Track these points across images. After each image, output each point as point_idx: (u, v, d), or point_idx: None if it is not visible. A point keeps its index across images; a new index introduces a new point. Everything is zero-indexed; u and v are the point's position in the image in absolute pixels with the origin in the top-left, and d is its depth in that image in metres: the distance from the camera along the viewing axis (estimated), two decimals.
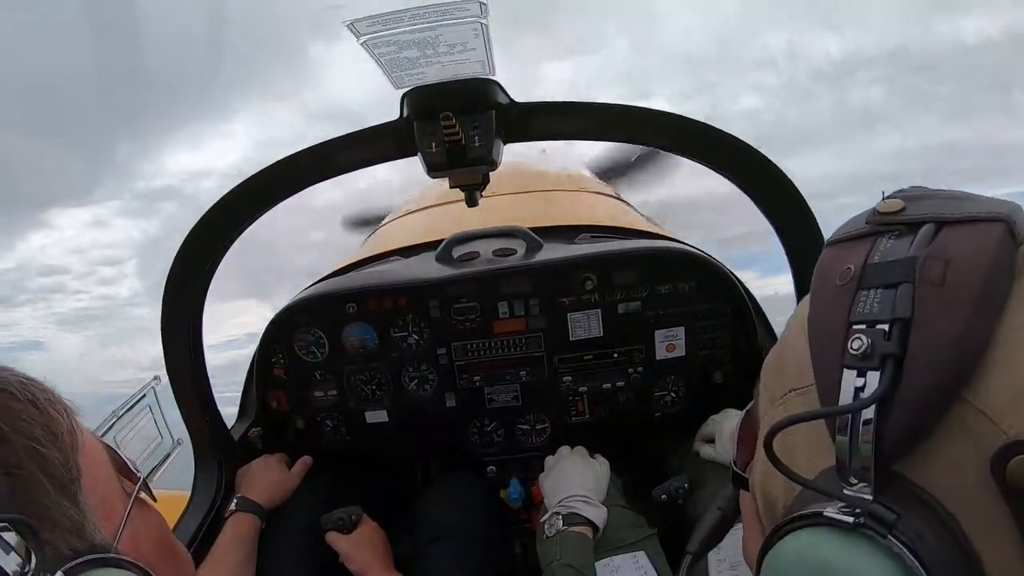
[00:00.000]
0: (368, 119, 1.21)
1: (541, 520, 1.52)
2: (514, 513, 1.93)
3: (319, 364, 1.86)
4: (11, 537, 0.55)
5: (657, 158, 3.47)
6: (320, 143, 1.29)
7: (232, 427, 1.83)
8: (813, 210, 1.31)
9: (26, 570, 0.55)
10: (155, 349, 1.46)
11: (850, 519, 0.45)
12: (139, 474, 0.82)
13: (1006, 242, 0.45)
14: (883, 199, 0.52)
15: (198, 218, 1.38)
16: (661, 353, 1.83)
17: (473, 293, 1.80)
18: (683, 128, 1.28)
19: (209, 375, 1.61)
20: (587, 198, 2.83)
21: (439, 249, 1.87)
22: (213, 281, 1.50)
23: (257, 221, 1.43)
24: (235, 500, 1.57)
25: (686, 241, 1.98)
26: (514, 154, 1.37)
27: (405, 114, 1.21)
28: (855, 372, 0.46)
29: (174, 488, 1.70)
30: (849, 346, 0.46)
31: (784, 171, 1.32)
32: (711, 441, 1.65)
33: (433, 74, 1.12)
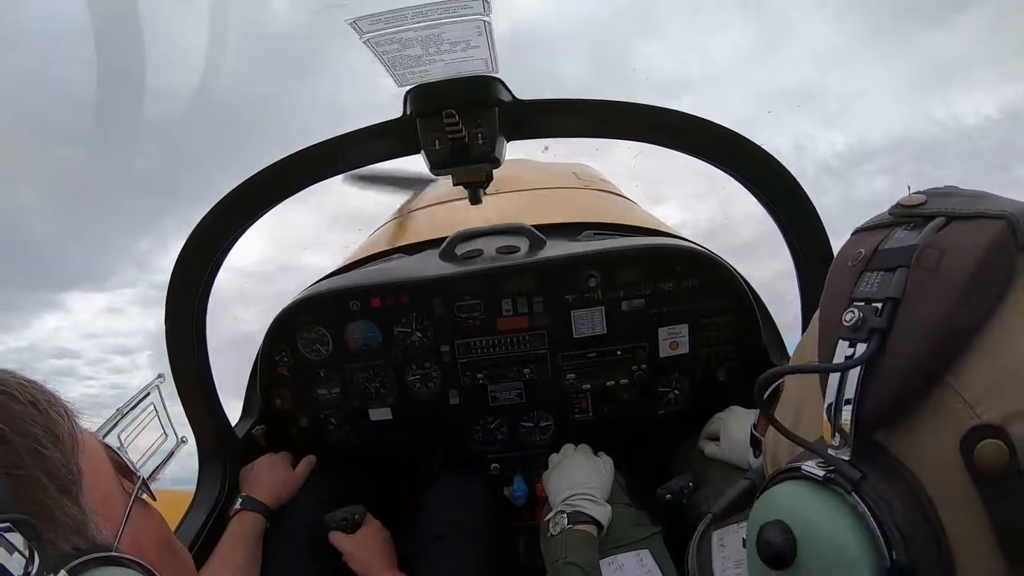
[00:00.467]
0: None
1: (545, 518, 1.52)
2: (517, 511, 1.93)
3: (323, 362, 1.86)
4: (14, 537, 0.55)
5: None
6: (323, 141, 1.29)
7: (236, 425, 1.83)
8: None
9: (29, 569, 0.56)
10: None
11: (821, 473, 0.50)
12: (139, 474, 0.83)
13: (1004, 237, 0.48)
14: (909, 193, 0.56)
15: (199, 219, 1.38)
16: (664, 350, 1.83)
17: (476, 290, 1.80)
18: (685, 125, 1.28)
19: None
20: (590, 195, 2.82)
21: (442, 247, 1.87)
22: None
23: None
24: (240, 499, 1.58)
25: (689, 238, 1.97)
26: (517, 151, 1.37)
27: (408, 112, 1.21)
28: (847, 343, 0.51)
29: (179, 486, 1.71)
30: (843, 319, 0.51)
31: (788, 169, 1.32)
32: (716, 438, 1.64)
33: (436, 72, 1.12)
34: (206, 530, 1.50)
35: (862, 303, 0.51)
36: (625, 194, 2.94)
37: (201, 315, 1.53)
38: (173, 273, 1.44)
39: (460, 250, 1.85)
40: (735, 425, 1.60)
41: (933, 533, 0.46)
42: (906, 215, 0.54)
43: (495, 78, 1.18)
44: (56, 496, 0.64)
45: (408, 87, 1.17)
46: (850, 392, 0.49)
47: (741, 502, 0.84)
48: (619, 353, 1.84)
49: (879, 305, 0.49)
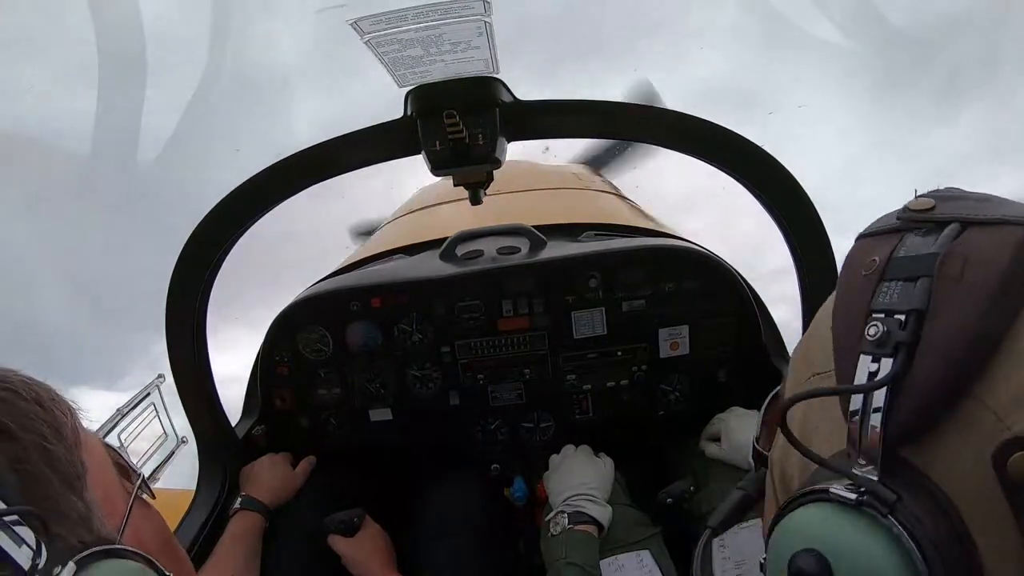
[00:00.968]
0: None
1: (546, 518, 1.52)
2: (518, 511, 1.93)
3: (323, 362, 1.86)
4: (22, 530, 0.56)
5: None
6: (324, 142, 1.29)
7: (236, 425, 1.83)
8: None
9: (37, 561, 0.56)
10: None
11: (853, 496, 0.47)
12: (139, 472, 0.84)
13: None
14: (916, 197, 0.54)
15: (199, 219, 1.38)
16: (665, 351, 1.83)
17: (477, 291, 1.80)
18: (685, 125, 1.28)
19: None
20: (591, 196, 2.82)
21: (443, 247, 1.87)
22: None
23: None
24: (239, 498, 1.58)
25: (690, 239, 1.97)
26: (517, 152, 1.37)
27: (409, 112, 1.21)
28: (870, 358, 0.48)
29: (179, 486, 1.71)
30: (866, 332, 0.48)
31: (789, 170, 1.32)
32: (717, 439, 1.64)
33: (437, 72, 1.12)
34: (206, 530, 1.50)
35: (882, 315, 0.48)
36: (625, 195, 2.94)
37: (201, 315, 1.53)
38: (174, 273, 1.44)
39: (461, 251, 1.85)
40: (736, 426, 1.60)
41: (964, 548, 0.44)
42: (915, 220, 0.52)
43: (496, 79, 1.18)
44: (62, 490, 0.64)
45: (409, 88, 1.17)
46: (876, 407, 0.47)
47: (738, 513, 0.84)
48: (620, 354, 1.84)
49: (902, 317, 0.47)
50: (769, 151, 1.30)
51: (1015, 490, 0.42)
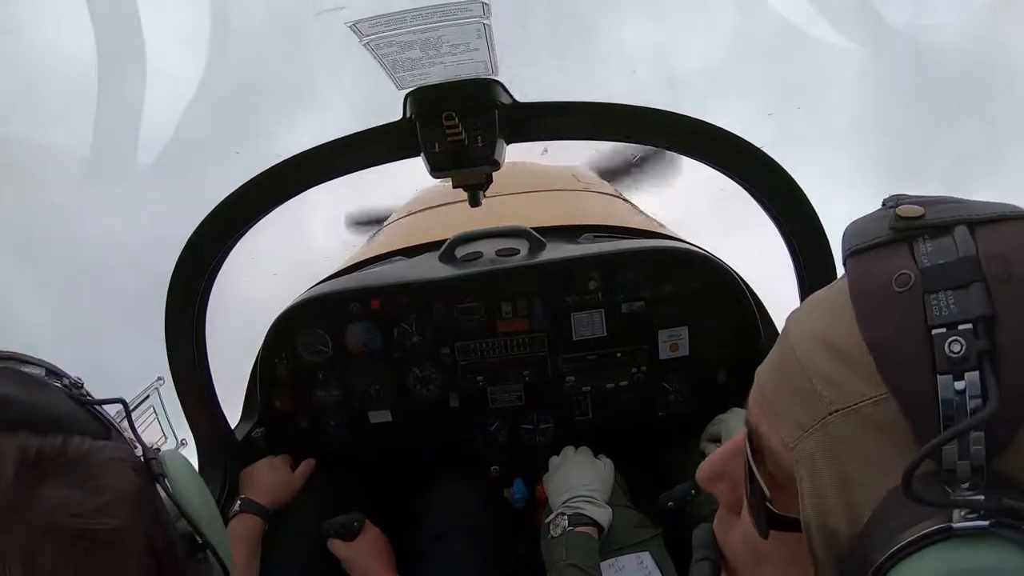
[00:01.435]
0: None
1: (546, 520, 1.52)
2: (518, 513, 1.93)
3: (322, 364, 1.86)
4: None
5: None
6: (323, 144, 1.29)
7: (236, 427, 1.83)
8: None
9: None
10: None
11: (986, 523, 0.43)
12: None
13: None
14: (898, 206, 0.51)
15: (198, 223, 1.38)
16: (665, 353, 1.83)
17: (476, 293, 1.80)
18: (685, 127, 1.28)
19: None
20: (590, 198, 2.82)
21: (442, 249, 1.87)
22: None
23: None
24: (238, 501, 1.57)
25: (689, 241, 1.97)
26: (517, 154, 1.37)
27: (408, 115, 1.21)
28: (951, 376, 0.44)
29: None
30: (947, 349, 0.45)
31: (787, 170, 1.32)
32: (718, 440, 1.64)
33: (436, 74, 1.12)
34: None
35: (944, 329, 0.45)
36: (625, 196, 2.94)
37: (201, 318, 1.53)
38: (173, 275, 1.44)
39: (460, 252, 1.85)
40: (737, 427, 1.60)
41: None
42: (913, 227, 0.49)
43: (495, 80, 1.18)
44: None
45: (408, 90, 1.17)
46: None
47: None
48: (619, 355, 1.84)
49: (969, 326, 0.44)
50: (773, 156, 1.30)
51: None
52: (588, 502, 1.50)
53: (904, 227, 0.50)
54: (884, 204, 0.53)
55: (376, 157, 1.33)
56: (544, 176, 2.93)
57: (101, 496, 0.59)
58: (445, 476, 1.90)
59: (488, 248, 1.84)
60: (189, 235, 1.40)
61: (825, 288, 0.57)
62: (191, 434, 1.64)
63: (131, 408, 1.42)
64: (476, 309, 1.81)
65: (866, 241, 0.51)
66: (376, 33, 0.98)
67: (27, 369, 0.66)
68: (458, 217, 2.31)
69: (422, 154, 1.22)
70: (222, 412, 1.67)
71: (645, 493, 1.67)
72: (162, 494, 0.67)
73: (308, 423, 1.91)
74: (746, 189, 1.38)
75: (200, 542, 0.70)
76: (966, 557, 0.44)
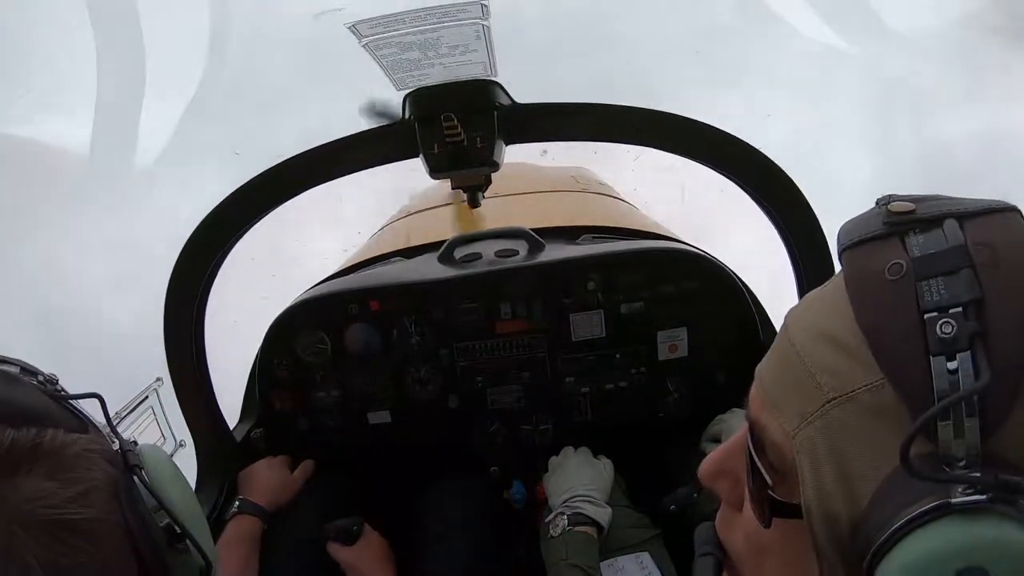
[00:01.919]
0: None
1: (545, 520, 1.52)
2: (518, 513, 1.93)
3: (321, 365, 1.86)
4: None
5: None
6: (322, 145, 1.30)
7: (235, 428, 1.83)
8: None
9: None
10: None
11: (983, 497, 0.44)
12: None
13: None
14: (889, 203, 0.53)
15: (197, 225, 1.38)
16: (664, 354, 1.83)
17: (475, 294, 1.80)
18: (684, 128, 1.28)
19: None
20: (589, 199, 2.82)
21: (441, 250, 1.87)
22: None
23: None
24: (237, 502, 1.57)
25: (688, 242, 1.97)
26: (516, 155, 1.37)
27: (407, 116, 1.21)
28: (943, 357, 0.46)
29: None
30: (939, 331, 0.46)
31: (785, 171, 1.33)
32: (718, 440, 1.64)
33: (435, 75, 1.12)
34: None
35: (936, 313, 0.47)
36: (624, 197, 2.94)
37: (199, 318, 1.53)
38: (171, 276, 1.44)
39: (459, 253, 1.85)
40: (737, 427, 1.59)
41: None
42: (904, 222, 0.51)
43: (494, 82, 1.18)
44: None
45: (407, 91, 1.17)
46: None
47: None
48: (618, 356, 1.84)
49: (960, 310, 0.46)
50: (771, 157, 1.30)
51: None
52: (588, 502, 1.50)
53: (896, 221, 0.52)
54: (877, 203, 0.55)
55: (375, 158, 1.33)
56: (543, 177, 2.93)
57: (76, 487, 0.59)
58: (444, 477, 1.90)
59: (487, 249, 1.84)
60: (189, 235, 1.40)
61: (822, 285, 0.59)
62: (190, 435, 1.64)
63: (129, 411, 1.43)
64: (475, 310, 1.81)
65: (859, 236, 0.53)
66: (375, 34, 0.98)
67: (1, 367, 0.66)
68: (457, 218, 2.31)
69: (421, 155, 1.22)
70: (221, 413, 1.67)
71: (645, 493, 1.67)
72: (140, 485, 0.68)
73: (307, 424, 1.91)
74: (745, 190, 1.38)
75: (180, 532, 0.70)
76: (965, 532, 0.45)
